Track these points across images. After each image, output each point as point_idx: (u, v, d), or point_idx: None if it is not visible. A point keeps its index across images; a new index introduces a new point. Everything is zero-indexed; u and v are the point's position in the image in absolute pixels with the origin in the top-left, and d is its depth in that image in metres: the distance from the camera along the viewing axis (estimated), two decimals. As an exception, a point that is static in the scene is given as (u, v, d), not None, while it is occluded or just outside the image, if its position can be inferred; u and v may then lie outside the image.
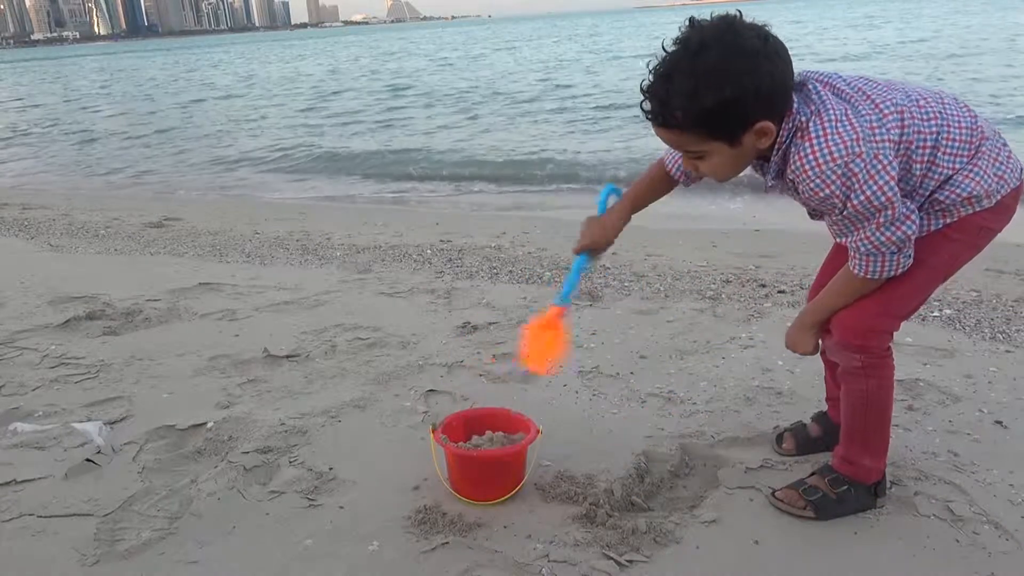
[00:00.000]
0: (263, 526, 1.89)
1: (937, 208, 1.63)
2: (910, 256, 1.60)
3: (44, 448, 2.28)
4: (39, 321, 3.41)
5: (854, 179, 1.47)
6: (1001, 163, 1.63)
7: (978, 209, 1.61)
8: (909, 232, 1.56)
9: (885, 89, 1.58)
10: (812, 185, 1.50)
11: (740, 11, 1.47)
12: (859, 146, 1.47)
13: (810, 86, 1.55)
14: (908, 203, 1.57)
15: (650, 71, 1.48)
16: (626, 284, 3.70)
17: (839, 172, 1.47)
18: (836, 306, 1.71)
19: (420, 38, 75.32)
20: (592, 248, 1.86)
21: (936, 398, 2.37)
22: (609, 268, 3.99)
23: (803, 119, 1.51)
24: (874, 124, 1.50)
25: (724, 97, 1.42)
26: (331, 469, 2.11)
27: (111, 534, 1.86)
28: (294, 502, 1.98)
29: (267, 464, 2.15)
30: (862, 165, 1.47)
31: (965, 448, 2.08)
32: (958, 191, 1.59)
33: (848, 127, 1.48)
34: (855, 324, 1.69)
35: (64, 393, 2.67)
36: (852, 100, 1.54)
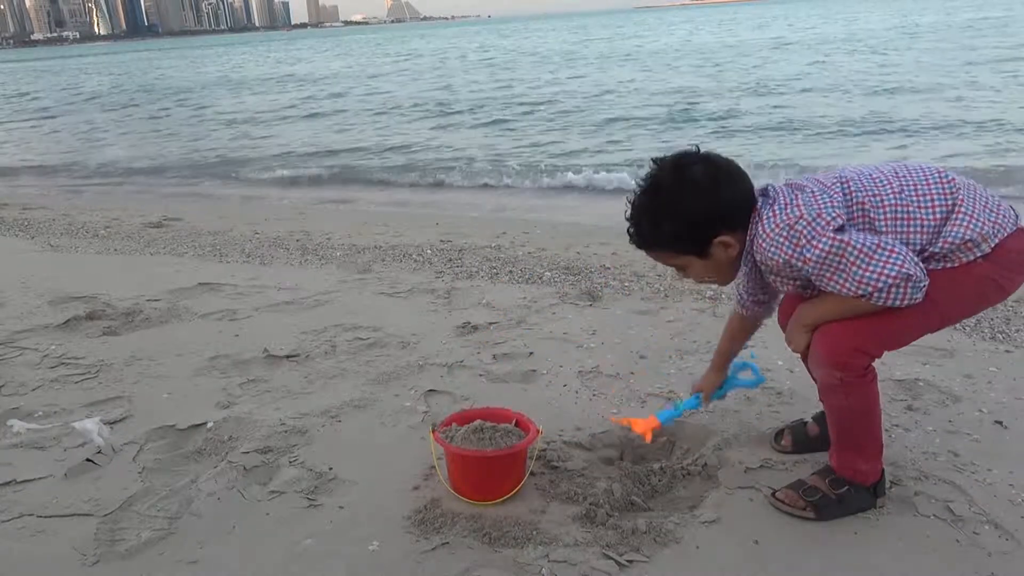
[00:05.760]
0: (263, 526, 1.89)
1: (938, 258, 1.66)
2: (920, 290, 1.61)
3: (44, 448, 2.28)
4: (39, 321, 3.41)
5: (800, 236, 1.62)
6: (992, 209, 1.66)
7: (979, 255, 1.64)
8: (899, 262, 1.57)
9: (839, 169, 1.77)
10: (768, 255, 1.65)
11: (697, 147, 1.74)
12: (799, 210, 1.63)
13: (770, 188, 1.75)
14: (873, 237, 1.59)
15: (628, 204, 1.78)
16: (626, 284, 3.70)
17: (785, 234, 1.63)
18: (836, 316, 1.71)
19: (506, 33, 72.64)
20: (699, 390, 2.14)
21: (936, 398, 2.37)
22: (609, 268, 3.99)
23: (762, 211, 1.70)
24: (815, 192, 1.67)
25: (679, 224, 1.71)
26: (331, 469, 2.11)
27: (111, 534, 1.86)
28: (294, 502, 1.98)
29: (267, 464, 2.15)
30: (804, 224, 1.62)
31: (965, 448, 2.08)
32: (951, 239, 1.63)
33: (794, 203, 1.66)
34: (842, 343, 1.70)
35: (64, 393, 2.67)
36: (802, 186, 1.71)
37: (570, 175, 7.58)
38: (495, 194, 7.45)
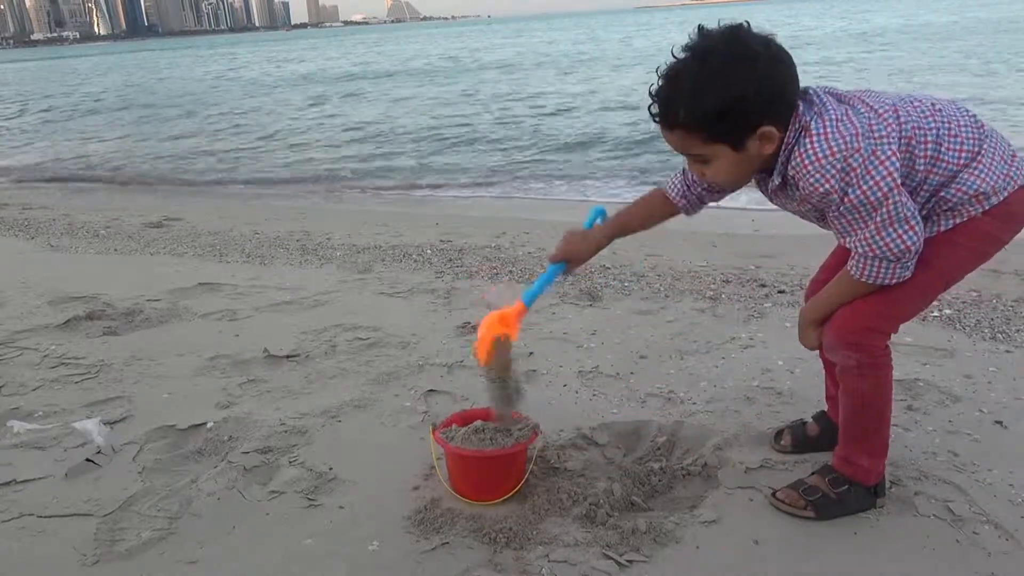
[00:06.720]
0: (263, 526, 1.89)
1: (945, 207, 1.63)
2: (909, 269, 1.60)
3: (44, 448, 2.28)
4: (39, 321, 3.41)
5: (852, 173, 1.51)
6: (1006, 161, 1.63)
7: (987, 207, 1.61)
8: (909, 243, 1.56)
9: (879, 95, 1.63)
10: (812, 180, 1.54)
11: (748, 22, 1.52)
12: (858, 141, 1.51)
13: (812, 93, 1.59)
14: (912, 206, 1.56)
15: (658, 75, 1.53)
16: (626, 284, 3.70)
17: (838, 167, 1.51)
18: (835, 304, 1.72)
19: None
20: (568, 260, 1.91)
21: (936, 398, 2.36)
22: (609, 268, 3.99)
23: (807, 119, 1.54)
24: (872, 122, 1.54)
25: (726, 99, 1.47)
26: (331, 469, 2.11)
27: (111, 534, 1.86)
28: (294, 502, 1.98)
29: (267, 464, 2.15)
30: (860, 160, 1.50)
31: (965, 448, 2.08)
32: (965, 188, 1.60)
33: (848, 124, 1.52)
34: (851, 324, 1.70)
35: (64, 393, 2.67)
36: (851, 103, 1.59)
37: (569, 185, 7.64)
38: (496, 195, 7.46)
